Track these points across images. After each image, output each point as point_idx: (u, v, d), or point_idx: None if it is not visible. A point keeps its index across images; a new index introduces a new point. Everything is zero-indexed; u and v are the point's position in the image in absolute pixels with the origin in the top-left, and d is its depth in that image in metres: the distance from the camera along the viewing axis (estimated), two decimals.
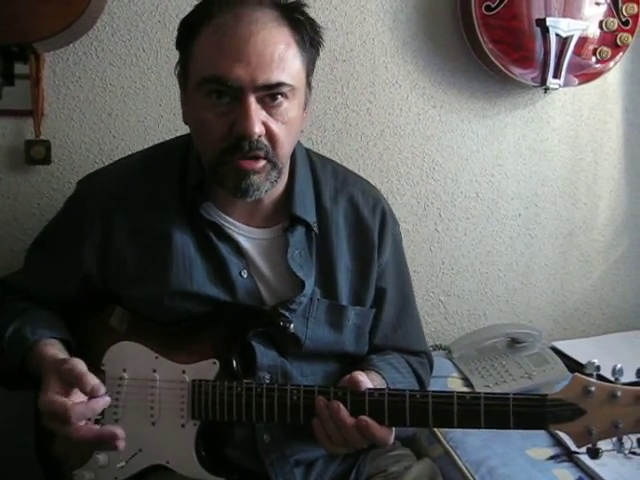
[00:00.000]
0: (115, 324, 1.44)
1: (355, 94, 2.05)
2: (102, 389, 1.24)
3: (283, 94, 1.28)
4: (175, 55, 1.89)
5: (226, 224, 1.42)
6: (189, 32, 1.32)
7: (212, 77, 1.26)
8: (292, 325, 1.38)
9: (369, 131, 2.08)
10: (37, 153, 1.87)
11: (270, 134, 1.29)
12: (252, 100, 1.25)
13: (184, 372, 1.36)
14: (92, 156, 1.92)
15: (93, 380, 1.23)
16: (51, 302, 1.49)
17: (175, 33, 1.88)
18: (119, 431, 1.24)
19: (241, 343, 1.38)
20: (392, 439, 1.31)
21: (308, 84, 1.37)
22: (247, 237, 1.43)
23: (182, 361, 1.37)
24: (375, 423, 1.27)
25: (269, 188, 1.34)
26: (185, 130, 1.43)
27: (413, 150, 2.12)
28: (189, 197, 1.41)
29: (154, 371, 1.38)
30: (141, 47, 1.92)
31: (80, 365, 1.24)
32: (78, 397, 1.23)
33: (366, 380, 1.30)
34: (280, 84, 1.27)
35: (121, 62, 1.91)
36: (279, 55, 1.26)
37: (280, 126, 1.30)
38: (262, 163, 1.30)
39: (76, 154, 1.92)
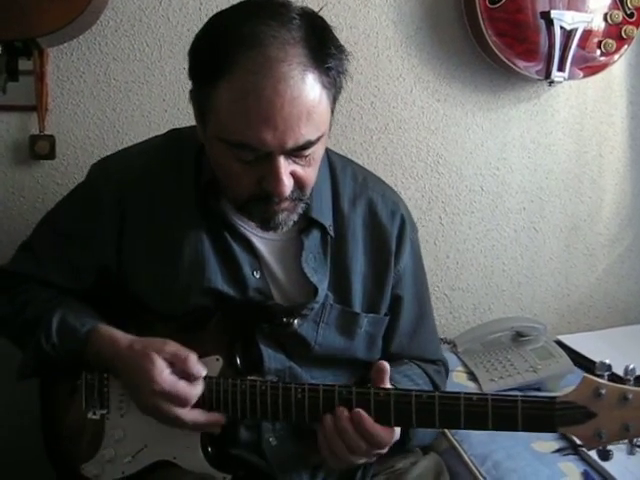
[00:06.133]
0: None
1: (359, 88, 2.05)
2: (204, 372, 1.31)
3: (311, 146, 1.22)
4: (179, 50, 1.91)
5: (240, 222, 1.39)
6: (205, 77, 1.21)
7: (238, 144, 1.19)
8: (296, 321, 1.37)
9: (373, 125, 2.08)
10: (41, 148, 1.88)
11: (299, 180, 1.25)
12: (281, 160, 1.20)
13: None
14: (96, 151, 1.91)
15: (197, 363, 1.30)
16: (66, 291, 1.47)
17: (178, 27, 1.91)
18: (222, 418, 1.33)
19: (245, 339, 1.38)
20: (394, 439, 1.29)
21: (332, 111, 1.28)
22: (260, 237, 1.41)
23: None
24: (369, 417, 1.24)
25: (296, 219, 1.32)
26: (190, 123, 1.42)
27: (417, 144, 2.12)
28: (203, 193, 1.38)
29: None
30: (145, 42, 1.92)
31: (181, 347, 1.31)
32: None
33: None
34: (309, 143, 1.21)
35: (125, 57, 1.91)
36: (307, 113, 1.18)
37: (308, 170, 1.26)
38: (289, 203, 1.27)
39: (80, 149, 1.93)
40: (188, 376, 1.29)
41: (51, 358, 1.39)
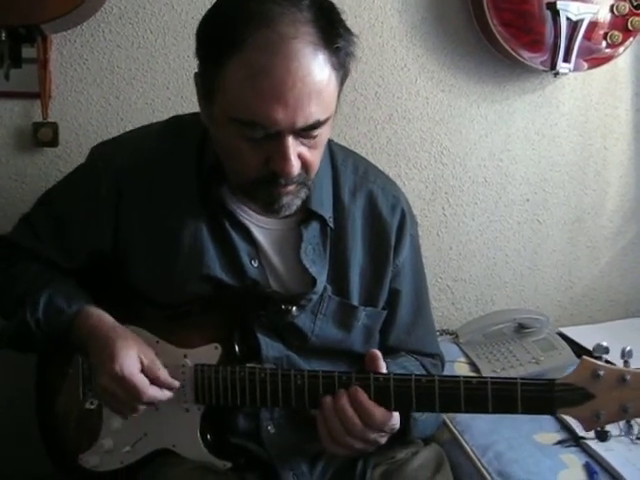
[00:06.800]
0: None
1: (363, 78, 2.04)
2: (175, 384, 1.32)
3: (320, 127, 1.22)
4: (183, 38, 1.90)
5: (239, 211, 1.39)
6: (214, 55, 1.19)
7: (249, 122, 1.18)
8: (294, 309, 1.37)
9: (377, 115, 2.07)
10: (44, 135, 1.87)
11: (305, 163, 1.24)
12: (290, 140, 1.19)
13: (186, 356, 1.36)
14: (99, 138, 1.85)
15: (167, 376, 1.31)
16: (61, 268, 1.46)
17: (182, 15, 1.90)
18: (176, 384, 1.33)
19: (243, 327, 1.37)
20: (394, 424, 1.29)
21: (338, 95, 1.27)
22: (259, 226, 1.40)
23: (184, 345, 1.37)
24: (365, 394, 1.24)
25: (299, 203, 1.31)
26: (193, 111, 1.42)
27: (421, 134, 2.11)
28: (204, 179, 1.38)
29: (156, 355, 1.36)
30: (148, 29, 1.91)
31: (157, 360, 1.32)
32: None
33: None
34: (318, 122, 1.20)
35: (129, 44, 1.90)
36: (317, 92, 1.17)
37: (314, 152, 1.25)
38: (294, 186, 1.26)
39: (83, 136, 1.92)
40: (154, 381, 1.30)
41: (32, 333, 1.38)
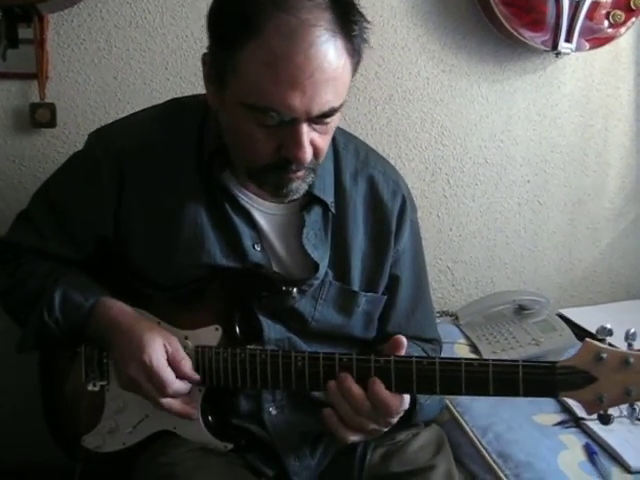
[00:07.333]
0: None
1: (363, 57, 2.01)
2: (197, 377, 1.32)
3: (333, 114, 1.22)
4: (181, 17, 1.88)
5: (241, 195, 1.38)
6: (230, 38, 1.18)
7: (263, 108, 1.17)
8: (295, 290, 1.36)
9: (377, 95, 2.06)
10: (42, 116, 1.86)
11: (316, 149, 1.24)
12: (304, 127, 1.19)
13: (187, 338, 1.35)
14: (97, 119, 1.90)
15: (190, 368, 1.32)
16: (67, 262, 1.45)
17: None
18: (194, 412, 1.34)
19: (243, 309, 1.37)
20: (405, 407, 1.28)
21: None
22: (261, 211, 1.40)
23: (184, 327, 1.36)
24: (382, 386, 1.23)
25: (306, 188, 1.31)
26: (192, 92, 1.41)
27: (422, 115, 2.10)
28: (205, 164, 1.37)
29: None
30: (146, 9, 1.89)
31: (181, 348, 1.33)
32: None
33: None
34: (332, 110, 1.20)
35: (126, 24, 1.89)
36: (333, 79, 1.17)
37: (324, 138, 1.25)
38: (303, 171, 1.26)
39: (81, 117, 1.91)
40: (178, 373, 1.30)
41: (53, 332, 1.38)
